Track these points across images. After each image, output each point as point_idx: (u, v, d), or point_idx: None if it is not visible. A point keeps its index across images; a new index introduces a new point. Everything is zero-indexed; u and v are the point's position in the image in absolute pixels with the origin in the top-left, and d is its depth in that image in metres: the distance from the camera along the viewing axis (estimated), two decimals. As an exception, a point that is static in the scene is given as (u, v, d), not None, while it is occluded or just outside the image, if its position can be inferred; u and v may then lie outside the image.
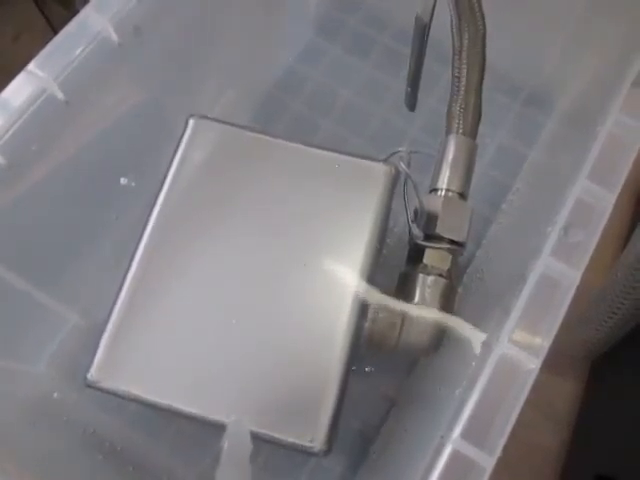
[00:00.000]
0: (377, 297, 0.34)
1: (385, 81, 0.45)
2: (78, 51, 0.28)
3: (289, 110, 0.44)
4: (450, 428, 0.21)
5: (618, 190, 0.24)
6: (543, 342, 0.21)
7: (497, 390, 0.21)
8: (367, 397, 0.38)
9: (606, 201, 0.24)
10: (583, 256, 0.23)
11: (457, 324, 0.32)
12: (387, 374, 0.39)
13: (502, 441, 0.20)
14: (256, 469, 0.36)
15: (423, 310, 0.33)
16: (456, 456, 0.20)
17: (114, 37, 0.29)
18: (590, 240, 0.23)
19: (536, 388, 0.44)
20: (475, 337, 0.28)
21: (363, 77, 0.45)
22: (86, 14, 0.28)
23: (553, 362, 0.44)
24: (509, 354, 0.21)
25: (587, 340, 0.40)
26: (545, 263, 0.22)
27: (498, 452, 0.20)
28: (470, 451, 0.20)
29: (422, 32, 0.33)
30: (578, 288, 0.39)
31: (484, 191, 0.41)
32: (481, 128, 0.36)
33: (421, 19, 0.31)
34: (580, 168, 0.25)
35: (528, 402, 0.43)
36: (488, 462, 0.20)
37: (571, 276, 0.22)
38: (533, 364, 0.21)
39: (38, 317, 0.35)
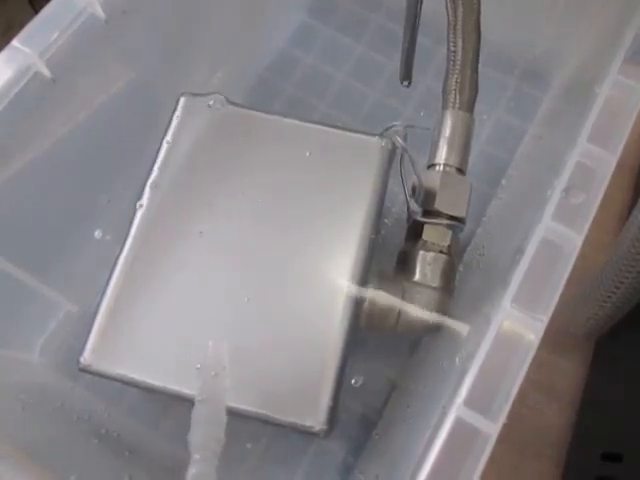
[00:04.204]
0: (376, 277, 0.33)
1: (379, 61, 0.44)
2: (63, 27, 0.27)
3: (283, 93, 0.44)
4: (452, 398, 0.20)
5: (619, 152, 0.23)
6: (545, 309, 0.21)
7: (498, 358, 0.20)
8: (369, 380, 0.37)
9: (607, 163, 0.23)
10: (585, 218, 0.22)
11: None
12: (389, 356, 0.38)
13: (506, 408, 0.20)
14: (258, 454, 0.36)
15: (423, 289, 0.33)
16: (459, 424, 0.20)
17: (100, 13, 0.28)
18: (592, 202, 0.22)
19: (541, 369, 0.43)
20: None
21: (357, 58, 0.44)
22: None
23: (557, 342, 0.43)
24: (510, 322, 0.21)
25: (590, 317, 0.39)
26: (546, 226, 0.22)
27: (502, 419, 0.20)
28: (474, 418, 0.20)
29: (415, 4, 0.32)
30: (581, 265, 0.38)
31: (483, 168, 0.41)
32: (478, 105, 0.35)
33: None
34: (579, 132, 0.24)
35: (533, 383, 0.43)
36: (492, 429, 0.19)
37: (573, 239, 0.22)
38: (535, 330, 0.21)
39: (30, 305, 0.34)
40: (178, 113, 0.33)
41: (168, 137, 0.32)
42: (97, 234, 0.35)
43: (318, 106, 0.43)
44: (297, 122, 0.33)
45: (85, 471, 0.24)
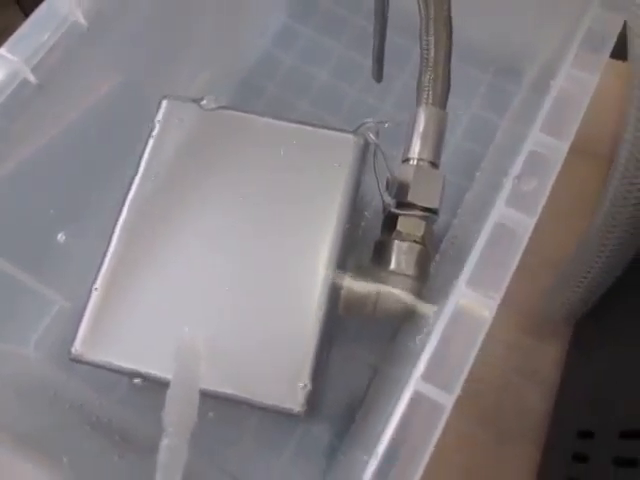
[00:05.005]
0: (354, 266, 0.35)
1: (358, 60, 0.46)
2: (48, 35, 0.29)
3: (265, 93, 0.45)
4: (411, 373, 0.22)
5: (570, 140, 0.25)
6: (498, 288, 0.22)
7: (454, 335, 0.22)
8: (352, 367, 0.39)
9: (558, 150, 0.24)
10: (536, 203, 0.23)
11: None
12: (370, 343, 0.39)
13: (461, 379, 0.21)
14: (247, 438, 0.38)
15: (398, 277, 0.34)
16: (418, 397, 0.21)
17: (82, 21, 0.30)
18: (543, 188, 0.24)
19: (522, 355, 0.45)
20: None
21: (336, 57, 0.46)
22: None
23: (538, 328, 0.45)
24: (467, 297, 0.22)
25: (565, 302, 0.40)
26: (499, 211, 0.23)
27: (457, 391, 0.21)
28: (431, 391, 0.21)
29: (382, 3, 0.33)
30: (560, 254, 0.40)
31: (459, 162, 0.42)
32: (453, 100, 0.36)
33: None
34: (534, 122, 0.25)
35: (514, 368, 0.44)
36: (448, 400, 0.21)
37: (525, 223, 0.23)
38: (489, 308, 0.22)
39: (26, 301, 0.36)
40: (160, 116, 0.34)
41: (152, 139, 0.34)
42: (86, 232, 0.36)
43: (300, 105, 0.45)
44: (274, 121, 0.34)
45: (77, 453, 0.26)
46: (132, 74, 0.36)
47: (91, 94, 0.33)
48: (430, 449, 0.21)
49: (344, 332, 0.41)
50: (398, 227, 0.35)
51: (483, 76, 0.45)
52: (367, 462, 0.21)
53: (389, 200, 0.35)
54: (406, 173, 0.35)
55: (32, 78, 0.29)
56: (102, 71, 0.34)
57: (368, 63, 0.46)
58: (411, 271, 0.34)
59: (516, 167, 0.24)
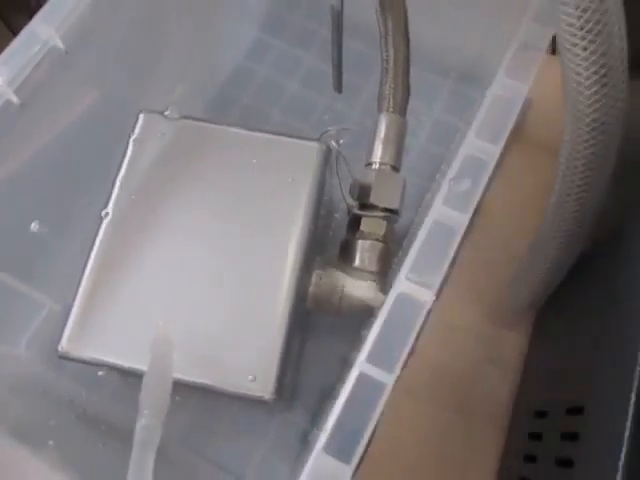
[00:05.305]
0: (319, 263, 0.38)
1: (326, 70, 0.48)
2: (29, 58, 0.31)
3: (240, 103, 0.48)
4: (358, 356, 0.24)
5: (502, 144, 0.27)
6: (436, 277, 0.25)
7: (396, 319, 0.24)
8: (325, 358, 0.42)
9: (491, 154, 0.27)
10: (469, 202, 0.26)
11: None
12: (341, 336, 0.42)
13: (402, 359, 0.24)
14: (226, 426, 0.40)
15: (362, 273, 0.37)
16: (362, 377, 0.24)
17: (60, 45, 0.32)
18: (477, 188, 0.26)
19: (488, 343, 0.47)
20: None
21: (306, 68, 0.49)
22: (34, 24, 0.32)
23: (502, 317, 0.47)
24: (407, 288, 0.25)
25: (528, 292, 0.43)
26: (437, 210, 0.26)
27: (397, 371, 0.24)
28: (373, 371, 0.24)
29: (337, 20, 0.36)
30: (524, 250, 0.42)
31: (423, 164, 0.45)
32: (417, 106, 0.39)
33: (335, 8, 0.35)
34: (471, 127, 0.28)
35: (482, 356, 0.47)
36: (388, 379, 0.23)
37: (459, 220, 0.26)
38: (427, 296, 0.25)
39: (17, 305, 0.38)
40: (138, 128, 0.37)
41: (130, 150, 0.36)
42: (72, 241, 0.39)
43: (273, 113, 0.48)
44: (243, 131, 0.37)
45: (63, 439, 0.28)
46: (110, 91, 0.39)
47: (71, 111, 0.36)
48: (373, 423, 0.23)
49: (318, 327, 0.43)
50: (361, 227, 0.37)
51: (445, 83, 0.48)
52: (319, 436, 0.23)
53: (352, 202, 0.37)
54: (369, 176, 0.37)
55: (15, 99, 0.31)
56: (81, 89, 0.36)
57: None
58: (374, 267, 0.37)
59: (452, 170, 0.27)
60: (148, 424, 0.24)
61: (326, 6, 0.49)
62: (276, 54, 0.49)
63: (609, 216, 0.36)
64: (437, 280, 0.25)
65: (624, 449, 0.26)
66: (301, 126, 0.47)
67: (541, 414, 0.38)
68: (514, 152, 0.51)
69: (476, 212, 0.51)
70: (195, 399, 0.41)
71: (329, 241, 0.43)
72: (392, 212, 0.37)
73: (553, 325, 0.43)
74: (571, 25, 0.25)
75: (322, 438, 0.23)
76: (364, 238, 0.37)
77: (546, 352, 0.42)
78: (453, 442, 0.44)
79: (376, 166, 0.38)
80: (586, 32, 0.25)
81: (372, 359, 0.24)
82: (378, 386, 0.24)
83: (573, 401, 0.33)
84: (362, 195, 0.37)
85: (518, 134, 0.51)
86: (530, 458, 0.37)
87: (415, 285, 0.25)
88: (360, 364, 0.24)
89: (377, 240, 0.37)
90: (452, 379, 0.46)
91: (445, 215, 0.26)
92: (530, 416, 0.39)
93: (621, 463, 0.26)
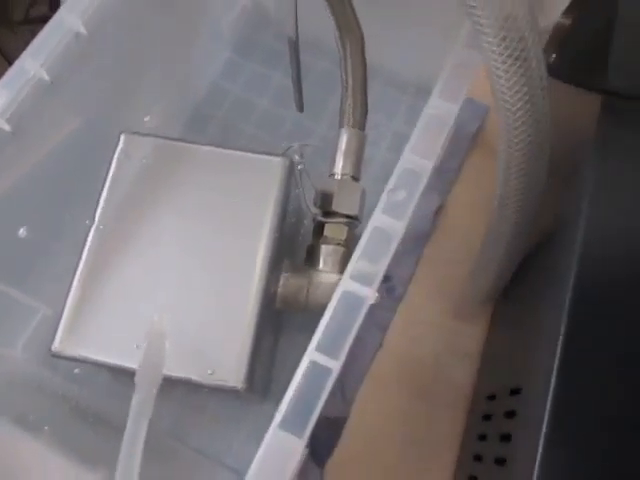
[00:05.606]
0: (287, 266, 0.42)
1: (295, 88, 0.52)
2: (18, 89, 0.35)
3: (215, 120, 0.52)
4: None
5: (434, 159, 0.31)
6: (375, 275, 0.29)
7: (340, 313, 0.28)
8: (297, 353, 0.45)
9: (424, 168, 0.31)
10: (405, 210, 0.30)
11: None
12: (312, 333, 0.46)
13: (345, 348, 0.28)
14: (207, 418, 0.44)
15: (326, 275, 0.41)
16: (312, 365, 0.28)
17: (45, 77, 0.36)
18: (411, 198, 0.30)
19: (451, 335, 0.51)
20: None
21: (275, 86, 0.53)
22: (23, 60, 0.36)
23: (462, 311, 0.51)
24: (350, 286, 0.29)
25: (483, 286, 0.47)
26: (377, 218, 0.30)
27: (342, 358, 0.28)
28: (320, 359, 0.28)
29: (294, 49, 0.40)
30: (477, 245, 0.46)
31: (383, 173, 0.48)
32: (378, 119, 0.43)
33: (291, 39, 0.39)
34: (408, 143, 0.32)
35: (446, 347, 0.50)
36: (335, 365, 0.27)
37: (395, 226, 0.30)
38: (368, 292, 0.29)
39: (11, 310, 0.42)
40: (119, 149, 0.41)
41: (112, 168, 0.40)
42: (62, 250, 0.43)
43: (246, 129, 0.52)
44: (214, 148, 0.41)
45: (57, 426, 0.32)
46: (92, 115, 0.42)
47: (58, 135, 0.39)
48: (321, 404, 0.27)
49: (290, 325, 0.47)
50: (325, 232, 0.41)
51: (404, 97, 0.52)
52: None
53: (315, 210, 0.41)
54: (331, 186, 0.41)
55: (7, 127, 0.35)
56: (66, 115, 0.40)
57: (303, 90, 0.53)
58: (336, 269, 0.41)
59: (391, 182, 0.31)
60: (142, 398, 0.29)
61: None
62: (248, 73, 0.54)
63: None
64: (377, 279, 0.29)
65: (545, 422, 0.30)
66: (272, 140, 0.51)
67: (492, 397, 0.42)
68: (473, 155, 0.55)
69: (438, 213, 0.55)
70: (179, 392, 0.44)
71: (298, 246, 0.47)
72: (353, 218, 0.41)
73: (505, 316, 0.47)
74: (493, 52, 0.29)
75: (277, 417, 0.27)
76: (327, 243, 0.41)
77: (498, 341, 0.46)
78: (417, 426, 0.48)
79: (338, 176, 0.41)
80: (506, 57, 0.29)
81: (320, 348, 0.28)
82: (325, 371, 0.28)
83: (514, 384, 0.37)
84: (325, 203, 0.41)
85: (477, 139, 0.55)
86: (482, 437, 0.41)
87: (357, 284, 0.29)
88: (310, 353, 0.28)
89: (339, 245, 0.41)
90: (416, 369, 0.50)
91: (383, 222, 0.30)
92: (483, 399, 0.43)
93: (543, 433, 0.30)
